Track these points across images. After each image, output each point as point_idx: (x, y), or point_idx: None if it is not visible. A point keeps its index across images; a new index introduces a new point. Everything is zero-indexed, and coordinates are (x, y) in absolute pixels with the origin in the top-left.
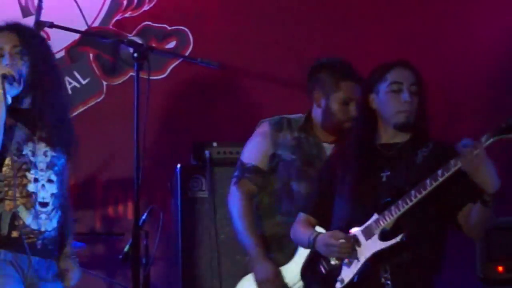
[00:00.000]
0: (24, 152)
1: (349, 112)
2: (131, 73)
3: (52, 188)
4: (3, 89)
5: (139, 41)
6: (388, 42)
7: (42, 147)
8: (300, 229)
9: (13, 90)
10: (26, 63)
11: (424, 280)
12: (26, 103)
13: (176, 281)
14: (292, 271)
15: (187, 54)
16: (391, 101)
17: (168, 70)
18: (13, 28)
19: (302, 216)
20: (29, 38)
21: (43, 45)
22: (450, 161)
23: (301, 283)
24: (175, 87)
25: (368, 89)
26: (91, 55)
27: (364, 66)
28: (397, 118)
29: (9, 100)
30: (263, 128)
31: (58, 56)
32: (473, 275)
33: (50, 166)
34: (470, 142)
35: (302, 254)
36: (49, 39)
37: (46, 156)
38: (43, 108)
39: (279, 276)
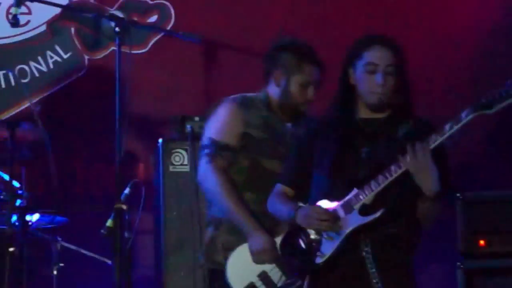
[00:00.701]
0: None
1: (306, 95)
2: (113, 47)
3: None
4: None
5: (120, 15)
6: (369, 15)
7: None
8: (279, 201)
9: None
10: None
11: (404, 253)
12: None
13: (159, 255)
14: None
15: (168, 28)
16: (365, 81)
17: (150, 44)
18: None
19: (279, 187)
20: None
21: None
22: (431, 136)
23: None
24: (157, 61)
25: (347, 62)
26: (72, 29)
27: (343, 40)
28: (369, 99)
29: None
30: (231, 106)
31: (39, 30)
32: (455, 249)
33: None
34: (418, 144)
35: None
36: (30, 13)
37: None
38: None
39: (275, 247)
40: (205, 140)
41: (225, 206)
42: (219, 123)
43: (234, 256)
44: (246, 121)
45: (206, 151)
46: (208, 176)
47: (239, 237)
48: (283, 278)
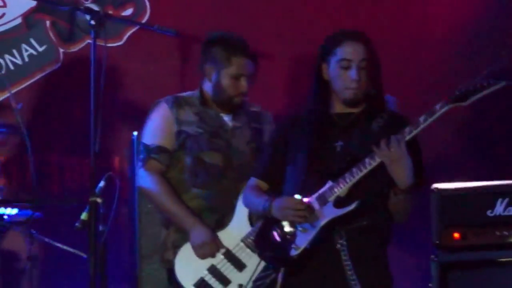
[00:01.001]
0: None
1: (239, 87)
2: (88, 41)
3: None
4: None
5: (95, 8)
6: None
7: None
8: (253, 194)
9: None
10: None
11: (378, 245)
12: None
13: (134, 248)
14: (231, 233)
15: (144, 21)
16: (340, 77)
17: (125, 38)
18: None
19: (253, 180)
20: None
21: None
22: (406, 129)
23: (243, 247)
24: (132, 54)
25: (321, 58)
26: (47, 22)
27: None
28: (344, 94)
29: None
30: (162, 109)
31: (15, 23)
32: (429, 242)
33: None
34: (393, 136)
35: (239, 216)
36: (5, 6)
37: None
38: None
39: (216, 239)
40: (140, 146)
41: (163, 207)
42: (151, 127)
43: (181, 253)
44: (179, 120)
45: (140, 156)
46: (143, 181)
47: (186, 235)
48: (234, 269)
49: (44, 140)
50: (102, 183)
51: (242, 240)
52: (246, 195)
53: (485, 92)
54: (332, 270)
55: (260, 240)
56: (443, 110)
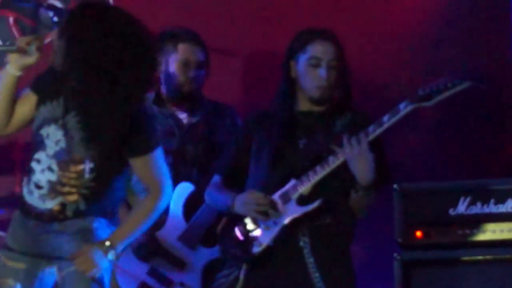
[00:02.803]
0: (41, 132)
1: (187, 74)
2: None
3: (51, 176)
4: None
5: (59, 5)
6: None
7: (59, 135)
8: (217, 191)
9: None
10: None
11: (342, 243)
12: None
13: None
14: (167, 232)
15: None
16: (309, 75)
17: None
18: None
19: (217, 178)
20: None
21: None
22: (369, 128)
23: (181, 245)
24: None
25: (289, 55)
26: (10, 18)
27: (283, 32)
28: (313, 93)
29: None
30: None
31: None
32: (392, 240)
33: (56, 156)
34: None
35: (174, 214)
36: None
37: (57, 144)
38: (85, 99)
39: (154, 240)
40: None
41: None
42: None
43: (120, 261)
44: None
45: None
46: None
47: None
48: (174, 268)
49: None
50: None
51: (179, 239)
52: (209, 192)
53: (449, 92)
54: (295, 267)
55: (223, 237)
56: (407, 110)
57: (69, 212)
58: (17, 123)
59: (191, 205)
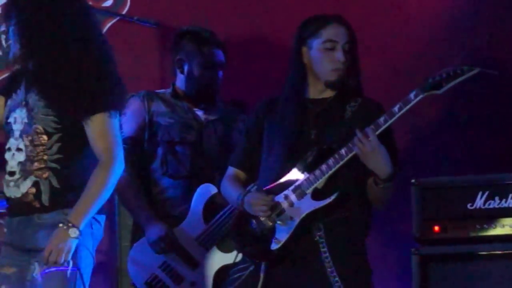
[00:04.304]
0: (9, 120)
1: (210, 75)
2: None
3: (20, 157)
4: None
5: None
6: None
7: (22, 113)
8: (229, 186)
9: None
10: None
11: (357, 237)
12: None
13: (114, 239)
14: (185, 230)
15: (124, 12)
16: (325, 59)
17: (105, 29)
18: None
19: (231, 170)
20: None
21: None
22: (380, 118)
23: (197, 245)
24: (112, 45)
25: (301, 42)
26: None
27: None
28: (329, 76)
29: None
30: (133, 101)
31: None
32: (409, 235)
33: (21, 134)
34: (367, 128)
35: (193, 214)
36: None
37: (21, 123)
38: (38, 70)
39: (171, 234)
40: None
41: (123, 201)
42: (122, 120)
43: (135, 248)
44: (151, 111)
45: None
46: None
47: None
48: (187, 267)
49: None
50: None
51: (196, 238)
52: (224, 185)
53: (459, 79)
54: (311, 262)
55: (238, 234)
56: (418, 98)
57: (44, 196)
58: None
59: (212, 206)
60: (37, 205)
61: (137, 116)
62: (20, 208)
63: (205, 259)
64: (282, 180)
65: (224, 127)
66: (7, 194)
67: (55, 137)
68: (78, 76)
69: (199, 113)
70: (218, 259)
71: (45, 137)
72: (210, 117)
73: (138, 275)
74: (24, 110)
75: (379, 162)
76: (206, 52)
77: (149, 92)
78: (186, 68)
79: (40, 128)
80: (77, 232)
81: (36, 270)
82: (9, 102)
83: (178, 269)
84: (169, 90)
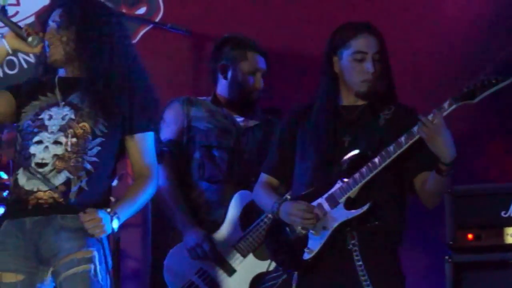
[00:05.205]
0: (40, 117)
1: (255, 83)
2: None
3: (57, 150)
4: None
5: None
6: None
7: (65, 111)
8: (263, 193)
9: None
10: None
11: (391, 245)
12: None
13: (146, 247)
14: (222, 237)
15: (157, 20)
16: (354, 70)
17: (139, 36)
18: None
19: (264, 177)
20: (71, 7)
21: (87, 10)
22: (413, 128)
23: (234, 252)
24: (145, 53)
25: (332, 51)
26: None
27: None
28: (359, 87)
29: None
30: (173, 106)
31: (27, 21)
32: (442, 243)
33: (63, 129)
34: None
35: (231, 220)
36: (19, 4)
37: (64, 119)
38: (85, 77)
39: (209, 240)
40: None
41: (164, 204)
42: (162, 124)
43: (171, 255)
44: (190, 116)
45: None
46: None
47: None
48: (224, 274)
49: None
50: (115, 182)
51: (233, 245)
52: (256, 192)
53: (493, 89)
54: (344, 271)
55: (272, 242)
56: (451, 108)
57: (72, 196)
58: None
59: (249, 213)
60: (64, 202)
61: (177, 120)
62: (39, 206)
63: (241, 266)
64: (316, 188)
65: (262, 134)
66: (27, 187)
67: (98, 140)
68: (132, 88)
69: (239, 119)
70: (255, 267)
71: (90, 137)
72: (249, 124)
73: (175, 282)
74: (67, 109)
75: (445, 145)
76: (250, 57)
77: (189, 97)
78: (230, 73)
79: (87, 126)
80: (117, 225)
81: (48, 279)
82: (33, 103)
83: (215, 276)
84: (209, 98)
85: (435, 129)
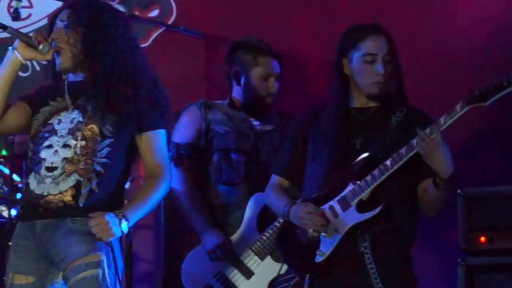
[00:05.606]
0: (50, 121)
1: (269, 87)
2: None
3: (67, 153)
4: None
5: (121, 9)
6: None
7: (73, 114)
8: (274, 196)
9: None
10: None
11: (402, 247)
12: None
13: (159, 250)
14: (239, 239)
15: (170, 22)
16: (365, 72)
17: (151, 39)
18: None
19: (274, 179)
20: (79, 8)
21: (95, 11)
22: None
23: (251, 255)
24: (157, 55)
25: (342, 54)
26: None
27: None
28: (370, 89)
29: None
30: (191, 109)
31: (40, 24)
32: (455, 246)
33: (72, 132)
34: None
35: (248, 223)
36: (32, 7)
37: (72, 123)
38: (90, 79)
39: (228, 243)
40: (170, 146)
41: (182, 207)
42: (180, 127)
43: (189, 258)
44: (208, 119)
45: (170, 154)
46: (174, 178)
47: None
48: (242, 277)
49: None
50: (127, 184)
51: (251, 247)
52: (267, 194)
53: (505, 91)
54: (356, 273)
55: (283, 245)
56: (464, 110)
57: (82, 199)
58: (11, 121)
59: (266, 216)
60: (74, 205)
61: (195, 123)
62: (49, 209)
63: (259, 269)
64: (327, 190)
65: (278, 137)
66: (37, 191)
67: (107, 141)
68: (139, 88)
69: (255, 123)
70: (272, 269)
71: (98, 138)
72: (265, 128)
73: (191, 282)
74: (76, 112)
75: (442, 161)
76: (262, 62)
77: (206, 101)
78: (242, 80)
79: (95, 128)
80: (126, 227)
81: (60, 282)
82: (42, 109)
83: (233, 279)
84: (226, 101)
85: (433, 144)
